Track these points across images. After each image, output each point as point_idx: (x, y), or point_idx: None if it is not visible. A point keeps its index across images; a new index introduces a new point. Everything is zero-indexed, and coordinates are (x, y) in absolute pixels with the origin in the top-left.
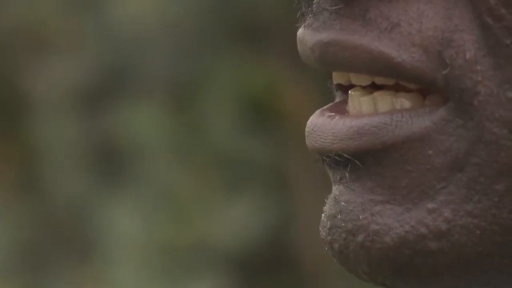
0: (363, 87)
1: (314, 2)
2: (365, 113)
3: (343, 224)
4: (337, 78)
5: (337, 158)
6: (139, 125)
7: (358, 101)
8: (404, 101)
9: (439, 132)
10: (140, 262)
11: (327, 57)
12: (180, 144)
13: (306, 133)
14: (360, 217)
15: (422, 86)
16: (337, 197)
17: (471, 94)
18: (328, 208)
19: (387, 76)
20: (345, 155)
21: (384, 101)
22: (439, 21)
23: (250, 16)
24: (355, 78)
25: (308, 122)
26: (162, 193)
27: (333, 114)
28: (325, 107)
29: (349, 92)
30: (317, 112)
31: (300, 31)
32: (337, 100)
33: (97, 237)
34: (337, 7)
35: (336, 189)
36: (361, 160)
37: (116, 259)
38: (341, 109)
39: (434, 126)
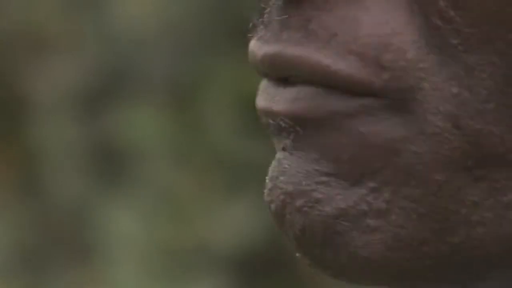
0: None
1: (265, 13)
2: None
3: (283, 186)
4: None
5: (281, 123)
6: (139, 126)
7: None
8: None
9: (370, 114)
10: (140, 263)
11: (275, 69)
12: (180, 145)
13: (258, 93)
14: (303, 183)
15: (360, 91)
16: (280, 160)
17: (414, 90)
18: (271, 170)
19: (327, 85)
20: (286, 120)
21: None
22: (375, 27)
23: (250, 16)
24: None
25: (262, 83)
26: (162, 194)
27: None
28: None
29: None
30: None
31: (251, 43)
32: None
33: (97, 238)
34: (282, 17)
35: (280, 154)
36: (302, 128)
37: (116, 260)
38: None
39: (363, 108)
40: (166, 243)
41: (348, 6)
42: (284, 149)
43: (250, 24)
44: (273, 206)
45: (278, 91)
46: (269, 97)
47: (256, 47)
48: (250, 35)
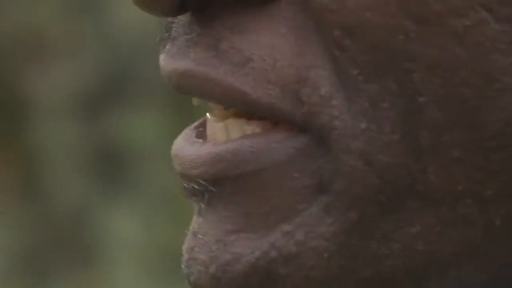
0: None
1: (173, 27)
2: (220, 140)
3: (198, 257)
4: (195, 100)
5: (195, 186)
6: (139, 128)
7: (213, 126)
8: (255, 128)
9: (304, 155)
10: (140, 264)
11: (183, 86)
12: None
13: (172, 157)
14: (213, 248)
15: (279, 122)
16: (195, 230)
17: (328, 129)
18: (186, 242)
19: (242, 110)
20: (201, 181)
21: (235, 128)
22: (293, 58)
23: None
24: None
25: (174, 143)
26: (162, 196)
27: (195, 140)
28: (190, 127)
29: (207, 114)
30: (183, 134)
31: (161, 57)
32: (201, 120)
33: (97, 239)
34: (191, 35)
35: (195, 222)
36: (219, 188)
37: (116, 262)
38: (202, 132)
39: (297, 152)
40: (166, 245)
41: (262, 30)
42: (199, 213)
43: (158, 38)
44: (191, 278)
45: (191, 152)
46: (182, 161)
47: (165, 61)
48: (159, 48)
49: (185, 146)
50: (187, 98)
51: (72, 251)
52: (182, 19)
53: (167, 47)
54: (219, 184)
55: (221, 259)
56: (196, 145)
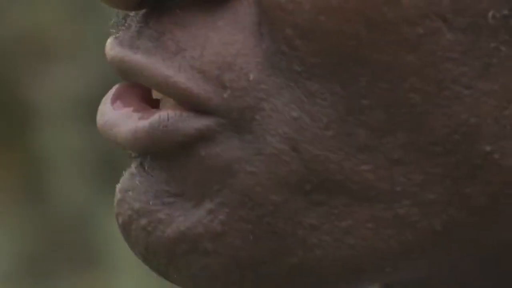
0: None
1: (128, 16)
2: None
3: (131, 202)
4: (154, 92)
5: (130, 152)
6: None
7: (154, 93)
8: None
9: (207, 139)
10: (144, 270)
11: (120, 71)
12: None
13: (97, 121)
14: (150, 203)
15: (197, 106)
16: (134, 174)
17: (254, 110)
18: (122, 181)
19: (167, 95)
20: (132, 153)
21: (169, 100)
22: (221, 47)
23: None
24: None
25: (100, 107)
26: None
27: (135, 110)
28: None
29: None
30: (110, 94)
31: (108, 41)
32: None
33: (100, 243)
34: (140, 25)
35: (134, 167)
36: (151, 157)
37: (118, 265)
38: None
39: (198, 133)
40: None
41: (203, 25)
42: (141, 164)
43: (112, 21)
44: (120, 219)
45: (119, 120)
46: (109, 134)
47: (109, 46)
48: (111, 32)
49: (114, 115)
50: None
51: (75, 255)
52: (140, 12)
53: (120, 33)
54: (150, 155)
55: (155, 215)
56: (128, 117)
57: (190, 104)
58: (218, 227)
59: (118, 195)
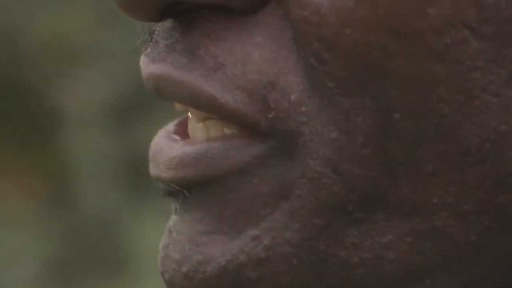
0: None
1: (155, 31)
2: (198, 139)
3: (172, 255)
4: (177, 105)
5: (169, 188)
6: None
7: (193, 126)
8: (235, 130)
9: (262, 164)
10: None
11: (158, 89)
12: None
13: (149, 157)
14: (186, 248)
15: (244, 127)
16: (171, 228)
17: (296, 134)
18: (163, 238)
19: (211, 114)
20: (174, 185)
21: (216, 128)
22: (264, 65)
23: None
24: None
25: (152, 143)
26: None
27: (173, 136)
28: (172, 123)
29: (188, 113)
30: (163, 130)
31: (141, 59)
32: (184, 116)
33: (128, 249)
34: (169, 41)
35: (171, 220)
36: (189, 191)
37: (146, 272)
38: (184, 129)
39: (255, 160)
40: None
41: (238, 39)
42: (175, 211)
43: (139, 40)
44: (166, 276)
45: (162, 154)
46: (156, 164)
47: (144, 64)
48: (140, 50)
49: (161, 145)
50: None
51: (102, 261)
52: (164, 24)
53: (149, 50)
54: (188, 188)
55: (193, 259)
56: (169, 145)
57: (235, 123)
58: (262, 253)
59: (161, 253)
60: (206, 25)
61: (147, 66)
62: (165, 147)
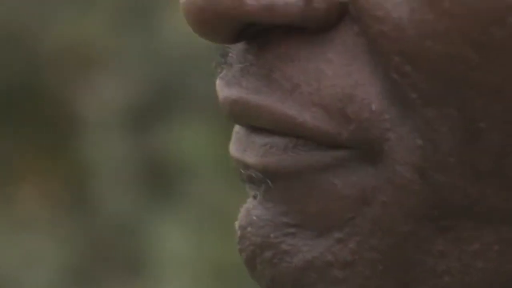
0: None
1: (229, 53)
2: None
3: (252, 238)
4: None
5: (252, 174)
6: (188, 142)
7: None
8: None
9: (343, 166)
10: (190, 280)
11: (234, 114)
12: (229, 162)
13: (232, 139)
14: (271, 235)
15: (327, 142)
16: (250, 210)
17: (381, 141)
18: (240, 218)
19: (292, 135)
20: (258, 172)
21: None
22: (337, 79)
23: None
24: None
25: (235, 127)
26: (212, 210)
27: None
28: None
29: None
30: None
31: (217, 82)
32: None
33: (147, 254)
34: (243, 64)
35: (249, 202)
36: (272, 181)
37: (165, 277)
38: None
39: (336, 161)
40: (216, 259)
41: (311, 58)
42: (254, 197)
43: (214, 63)
44: (244, 255)
45: (250, 140)
46: (241, 147)
47: (219, 87)
48: (215, 73)
49: (251, 132)
50: None
51: (121, 265)
52: (238, 46)
53: (223, 72)
54: (270, 178)
55: (279, 247)
56: (255, 132)
57: (318, 141)
58: (348, 256)
59: (238, 232)
60: (280, 47)
61: (222, 89)
62: (253, 133)
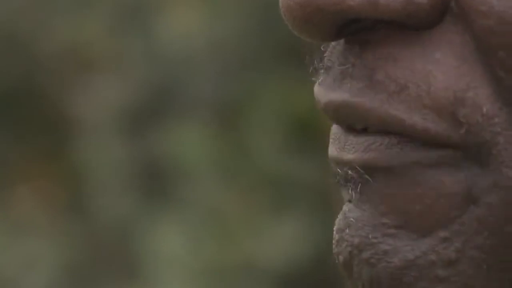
0: None
1: (325, 57)
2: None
3: (350, 239)
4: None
5: (349, 172)
6: (185, 145)
7: None
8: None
9: (451, 164)
10: (186, 283)
11: (339, 117)
12: (225, 164)
13: (330, 140)
14: (370, 236)
15: (436, 143)
16: (346, 213)
17: (490, 145)
18: (337, 222)
19: (400, 135)
20: (357, 167)
21: None
22: (448, 81)
23: (295, 36)
24: None
25: (333, 128)
26: (208, 213)
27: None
28: None
29: None
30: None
31: (315, 88)
32: None
33: (143, 257)
34: (344, 66)
35: (346, 206)
36: (371, 175)
37: (162, 279)
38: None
39: (444, 159)
40: (212, 262)
41: (416, 58)
42: (349, 201)
43: (311, 68)
44: (341, 257)
45: (348, 138)
46: (340, 145)
47: (320, 93)
48: (312, 78)
49: (345, 130)
50: (233, 114)
51: (118, 267)
52: (336, 47)
53: (322, 77)
54: (370, 173)
55: (378, 247)
56: (354, 132)
57: (426, 143)
58: (453, 254)
59: (335, 236)
60: (381, 46)
61: (324, 95)
62: (347, 131)
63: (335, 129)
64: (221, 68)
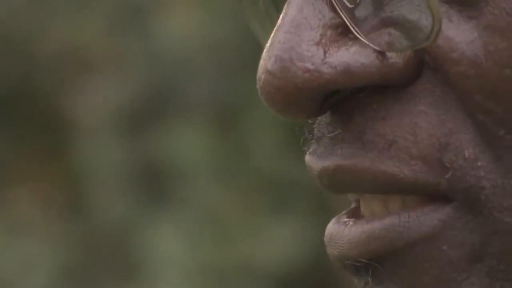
0: None
1: (314, 128)
2: (377, 216)
3: None
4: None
5: (356, 264)
6: (183, 146)
7: (369, 204)
8: (414, 198)
9: (449, 228)
10: (185, 283)
11: (335, 183)
12: (223, 166)
13: (325, 243)
14: None
15: (425, 194)
16: None
17: (477, 190)
18: None
19: (393, 192)
20: (363, 260)
21: (394, 201)
22: (432, 129)
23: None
24: None
25: (326, 230)
26: (206, 214)
27: (347, 220)
28: (342, 213)
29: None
30: (333, 220)
31: (307, 158)
32: (352, 206)
33: (141, 258)
34: (334, 133)
35: None
36: (380, 263)
37: (160, 280)
38: (356, 213)
39: (442, 223)
40: (210, 263)
41: (403, 113)
42: (366, 286)
43: (302, 139)
44: None
45: (345, 232)
46: (335, 246)
47: (313, 162)
48: (304, 148)
49: (340, 228)
50: (232, 114)
51: (116, 268)
52: (323, 119)
53: (312, 147)
54: (378, 260)
55: None
56: (350, 225)
57: (416, 193)
58: None
59: None
60: (367, 108)
61: (317, 163)
62: (342, 230)
63: (329, 227)
64: (220, 69)
